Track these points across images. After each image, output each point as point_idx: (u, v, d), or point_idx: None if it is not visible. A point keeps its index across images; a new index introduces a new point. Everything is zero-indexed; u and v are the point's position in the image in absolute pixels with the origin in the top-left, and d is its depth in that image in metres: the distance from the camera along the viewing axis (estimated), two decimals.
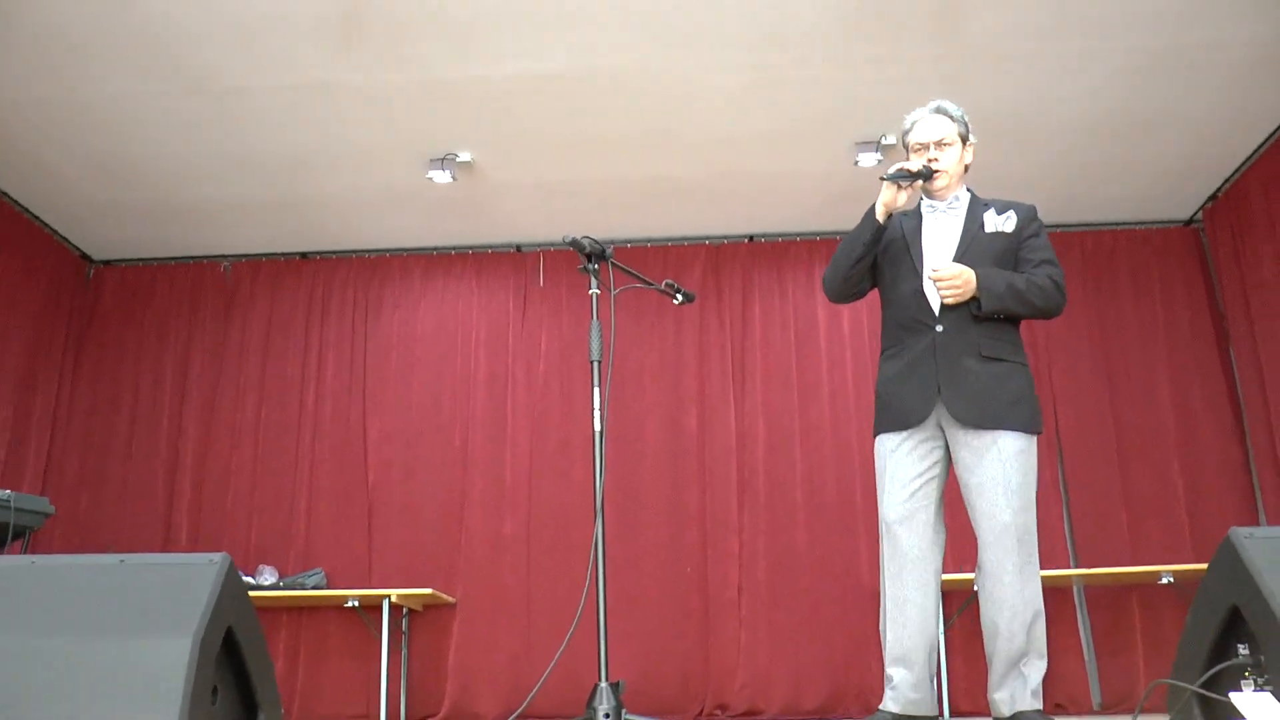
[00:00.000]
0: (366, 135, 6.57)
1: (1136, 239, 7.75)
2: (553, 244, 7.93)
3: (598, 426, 3.23)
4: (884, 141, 6.59)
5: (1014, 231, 3.51)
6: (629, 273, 3.65)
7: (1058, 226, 7.72)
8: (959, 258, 3.44)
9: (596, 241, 3.44)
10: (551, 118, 6.40)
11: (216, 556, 2.38)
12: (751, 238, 7.92)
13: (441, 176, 6.86)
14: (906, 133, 3.66)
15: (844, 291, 3.65)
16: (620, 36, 5.70)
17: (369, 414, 7.70)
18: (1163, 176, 7.17)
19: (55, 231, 7.70)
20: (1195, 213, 7.66)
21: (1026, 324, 7.27)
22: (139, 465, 7.61)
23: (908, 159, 3.64)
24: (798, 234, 7.85)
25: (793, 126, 6.49)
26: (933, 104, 3.66)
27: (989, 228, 3.50)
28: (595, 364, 3.30)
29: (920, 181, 3.49)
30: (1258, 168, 6.85)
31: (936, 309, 3.41)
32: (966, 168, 3.65)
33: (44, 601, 2.30)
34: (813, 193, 7.25)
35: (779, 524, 7.23)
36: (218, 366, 7.86)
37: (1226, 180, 7.20)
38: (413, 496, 7.49)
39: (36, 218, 7.47)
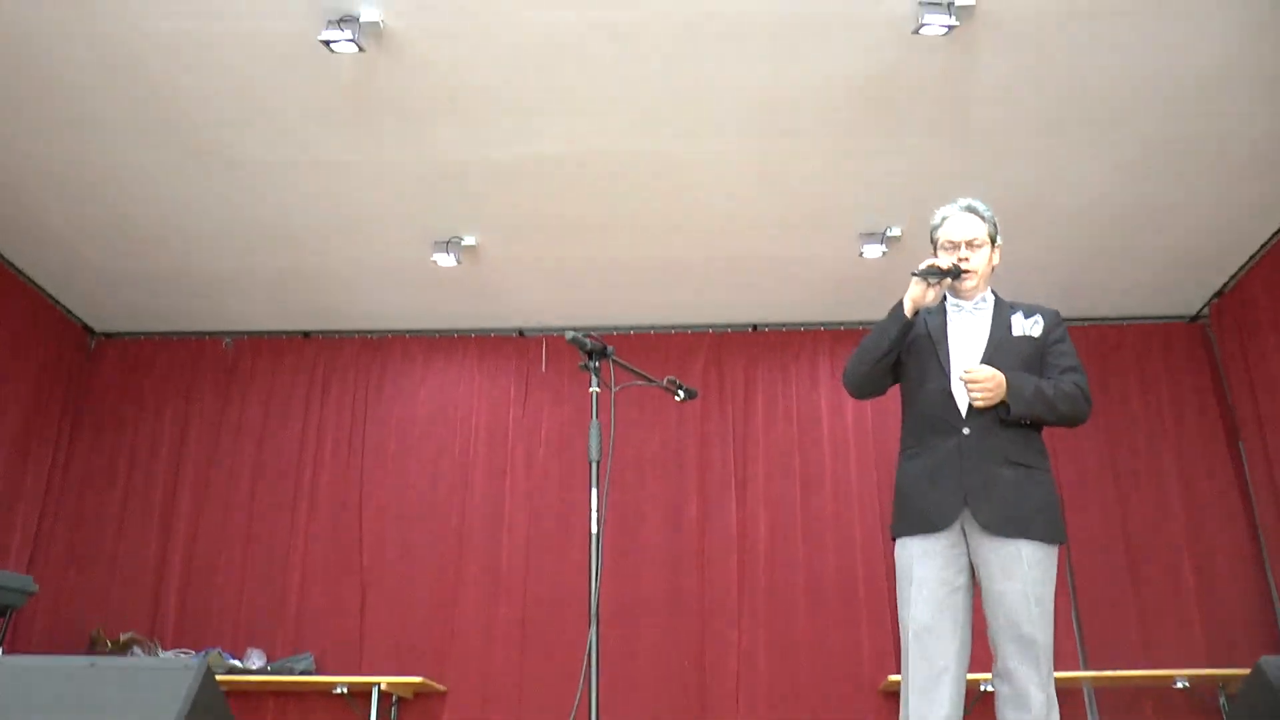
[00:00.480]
0: (373, 215, 6.58)
1: (1142, 334, 7.71)
2: (556, 329, 7.90)
3: (594, 529, 3.15)
4: (889, 233, 6.58)
5: (1041, 336, 3.47)
6: (630, 370, 3.60)
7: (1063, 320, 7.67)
8: (986, 360, 3.38)
9: (598, 340, 3.40)
10: (557, 201, 6.40)
11: (192, 661, 2.29)
12: (755, 327, 7.89)
13: (446, 259, 6.85)
14: (936, 228, 3.62)
15: (867, 387, 3.58)
16: (627, 122, 5.72)
17: (365, 494, 7.61)
18: (1168, 271, 7.15)
19: (59, 302, 7.68)
20: (1202, 308, 7.63)
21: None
22: (129, 541, 7.49)
23: (935, 254, 3.59)
24: (802, 324, 7.82)
25: (798, 216, 6.49)
26: (963, 201, 3.62)
27: (1016, 331, 3.46)
28: (594, 464, 3.23)
29: (949, 280, 3.44)
30: (1264, 264, 6.83)
31: (964, 411, 3.34)
32: (993, 269, 3.61)
33: (9, 705, 2.20)
34: (817, 283, 7.24)
35: (779, 615, 7.10)
36: (214, 442, 7.79)
37: (1233, 276, 7.18)
38: (407, 579, 7.36)
39: (41, 288, 7.46)
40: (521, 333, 7.99)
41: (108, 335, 8.18)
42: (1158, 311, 7.70)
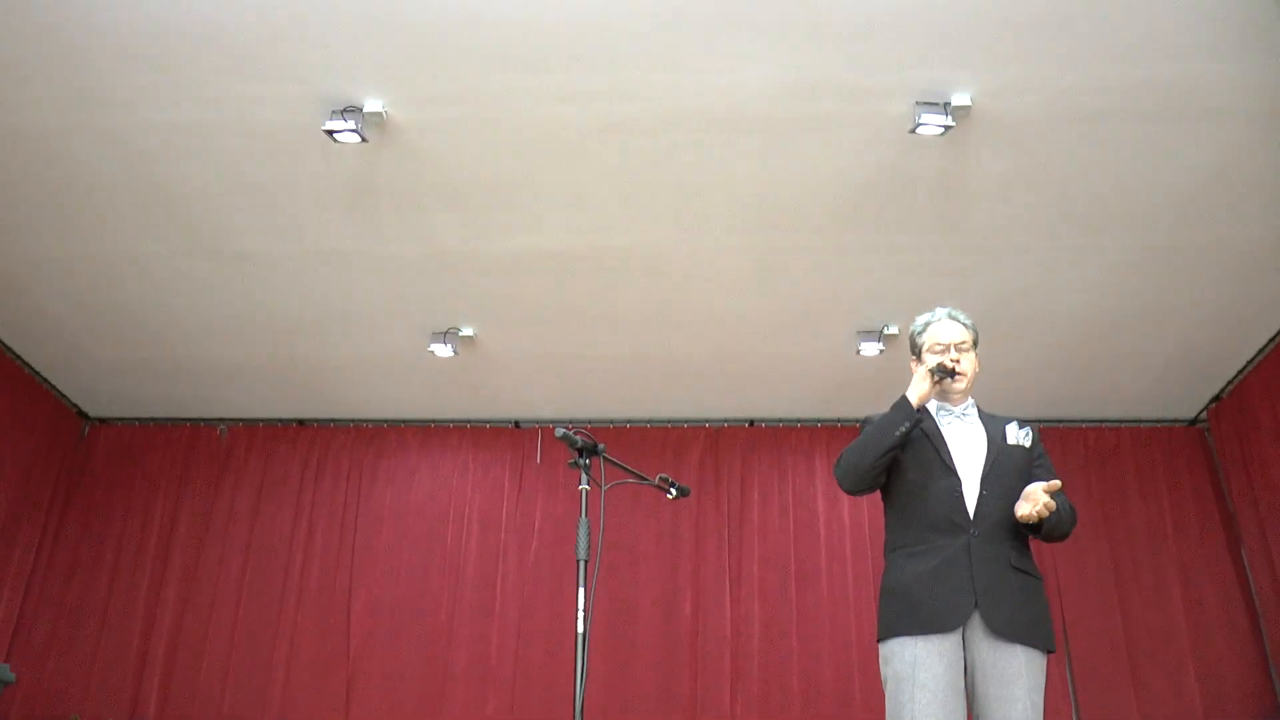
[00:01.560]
0: (372, 304, 6.59)
1: (1140, 437, 7.67)
2: (551, 420, 7.87)
3: (580, 629, 3.08)
4: (886, 331, 6.59)
5: (1031, 447, 3.49)
6: (622, 467, 3.56)
7: (1059, 421, 7.67)
8: (990, 467, 3.39)
9: (588, 437, 3.37)
10: (555, 294, 6.42)
11: None
12: (751, 422, 7.86)
13: (443, 350, 6.84)
14: (919, 333, 3.64)
15: (866, 482, 3.54)
16: (626, 216, 5.76)
17: (355, 583, 7.50)
18: (1165, 374, 7.14)
19: (54, 387, 7.66)
20: (1200, 412, 7.60)
21: None
22: (112, 630, 7.36)
23: (919, 358, 3.60)
24: (798, 420, 7.79)
25: (795, 312, 6.50)
26: (943, 310, 3.66)
27: (1010, 440, 3.48)
28: (582, 563, 3.17)
29: (946, 381, 3.47)
30: (1262, 368, 6.83)
31: (972, 512, 3.32)
32: (975, 376, 3.63)
33: None
34: (814, 379, 7.22)
35: (773, 714, 6.94)
36: (204, 529, 7.70)
37: (1230, 381, 7.17)
38: (394, 671, 7.21)
39: (37, 372, 7.45)
40: (517, 424, 7.96)
41: (101, 421, 8.14)
42: (1156, 415, 7.67)
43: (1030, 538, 3.42)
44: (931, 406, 3.56)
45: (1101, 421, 7.71)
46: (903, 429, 3.41)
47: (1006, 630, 3.17)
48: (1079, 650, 7.04)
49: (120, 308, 6.69)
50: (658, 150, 5.28)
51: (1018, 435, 3.47)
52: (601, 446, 3.42)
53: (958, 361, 3.50)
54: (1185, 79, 4.73)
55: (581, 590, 3.15)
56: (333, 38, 4.68)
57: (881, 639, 3.40)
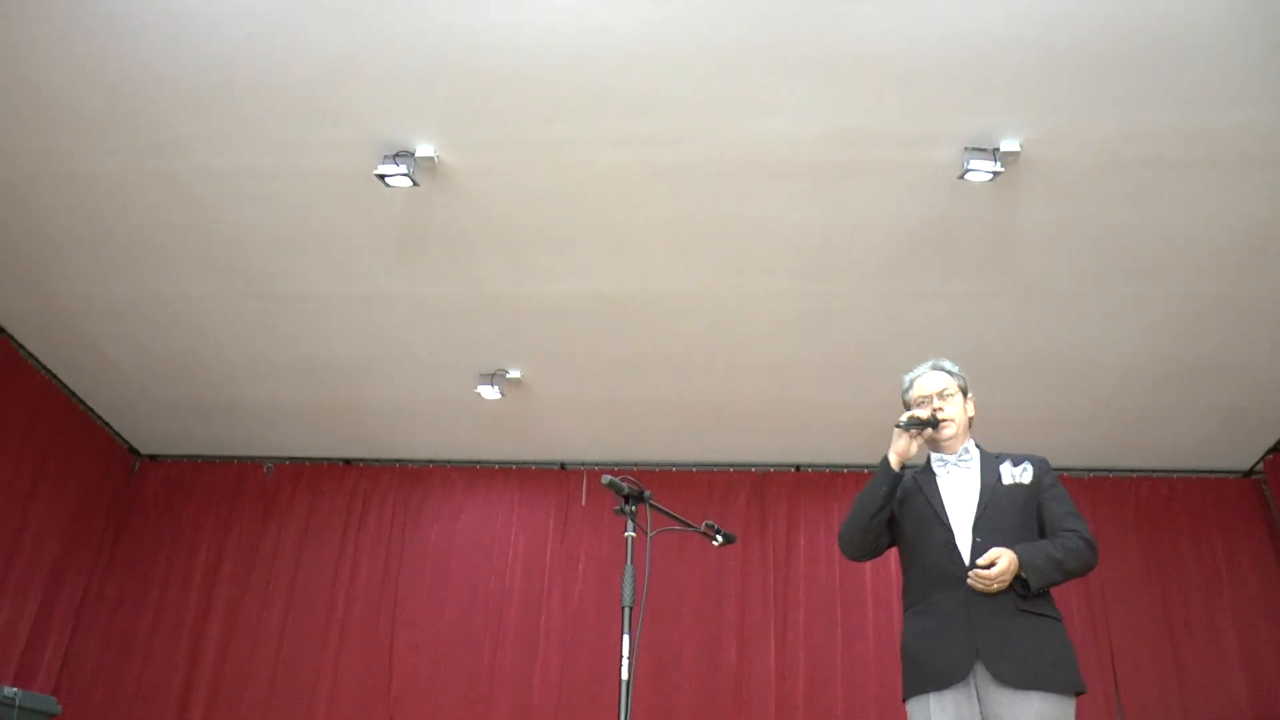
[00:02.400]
0: (420, 346, 6.64)
1: (1194, 488, 7.53)
2: (597, 463, 7.86)
3: (625, 675, 3.06)
4: None
5: (1032, 482, 3.44)
6: (668, 514, 3.55)
7: (1111, 471, 7.55)
8: (981, 511, 3.36)
9: (635, 484, 3.36)
10: (602, 337, 6.44)
11: None
12: (798, 467, 7.80)
13: (490, 392, 6.87)
14: (907, 390, 3.70)
15: (863, 546, 3.56)
16: (674, 261, 5.78)
17: (398, 625, 7.50)
18: (1219, 425, 7.01)
19: (107, 424, 7.78)
20: (1256, 464, 7.45)
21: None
22: (157, 664, 7.41)
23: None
24: (845, 466, 7.73)
25: (843, 358, 6.47)
26: (929, 362, 3.71)
27: (1006, 480, 3.45)
28: (627, 610, 3.16)
29: (929, 431, 3.45)
30: None
31: (968, 561, 3.28)
32: (970, 420, 3.63)
33: None
34: (861, 425, 7.15)
35: None
36: (249, 567, 7.75)
37: None
38: (435, 711, 7.18)
39: (91, 409, 7.57)
40: (563, 466, 7.96)
41: (152, 457, 8.25)
42: (1210, 466, 7.52)
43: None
44: (930, 458, 3.56)
45: (1154, 472, 7.59)
46: (884, 490, 3.42)
47: (1014, 678, 3.12)
48: (1132, 704, 6.87)
49: (173, 347, 6.80)
50: (706, 195, 5.31)
51: (1014, 473, 3.45)
52: (648, 493, 3.42)
53: (940, 409, 3.48)
54: (1238, 126, 4.68)
55: (626, 637, 3.13)
56: (385, 83, 4.76)
57: (904, 699, 3.39)
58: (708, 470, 7.84)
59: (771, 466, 7.81)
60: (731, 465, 7.83)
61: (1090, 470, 7.58)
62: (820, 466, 7.76)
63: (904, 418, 3.42)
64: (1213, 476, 7.57)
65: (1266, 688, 6.82)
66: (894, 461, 3.41)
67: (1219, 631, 7.03)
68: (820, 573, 7.42)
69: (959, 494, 3.45)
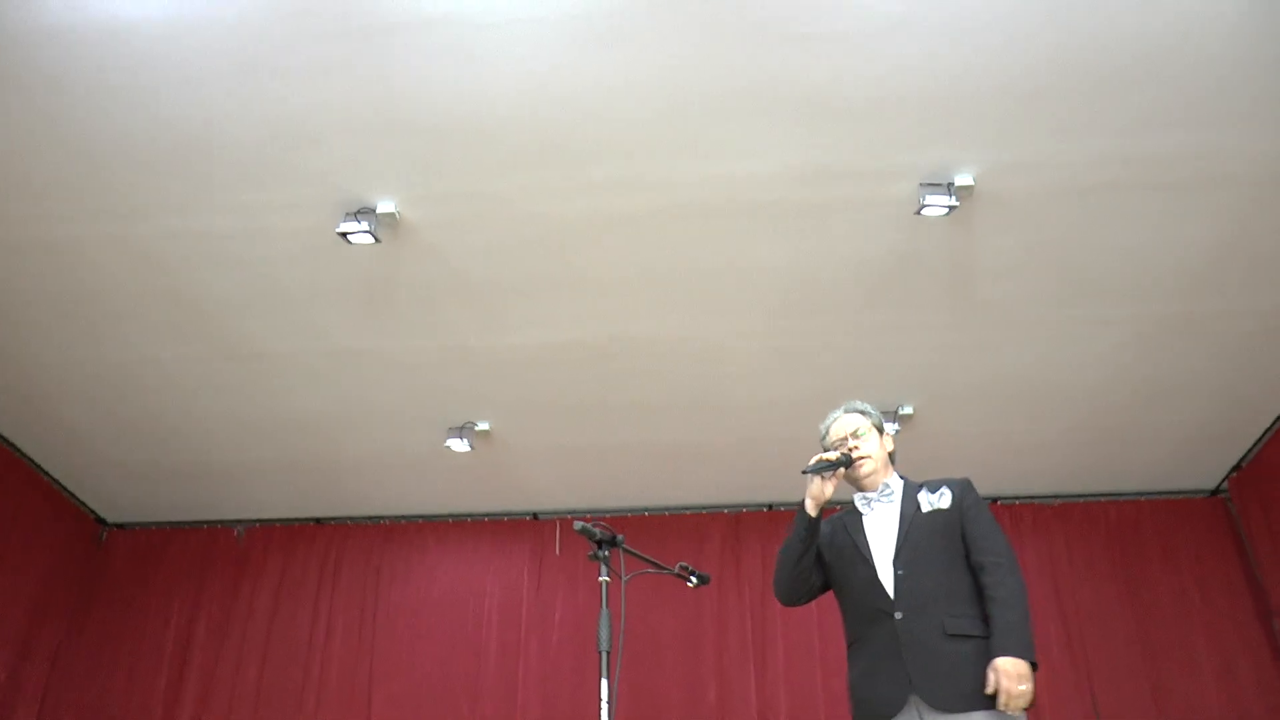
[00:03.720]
0: (387, 401, 6.63)
1: (1162, 509, 7.60)
2: (570, 511, 7.84)
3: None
4: (902, 411, 6.59)
5: (952, 506, 3.48)
6: (641, 558, 3.57)
7: (1079, 496, 7.62)
8: (902, 542, 3.42)
9: (607, 529, 3.38)
10: (570, 385, 6.45)
11: None
12: (771, 506, 7.82)
13: (459, 444, 6.86)
14: (823, 438, 3.75)
15: (793, 592, 3.64)
16: (639, 305, 5.82)
17: (375, 681, 7.41)
18: (1184, 445, 7.10)
19: (72, 494, 7.69)
20: (1221, 483, 7.54)
21: (1057, 596, 7.10)
22: None
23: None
24: None
25: (812, 395, 6.46)
26: (842, 406, 3.77)
27: (925, 507, 3.50)
28: (604, 654, 3.16)
29: (843, 470, 3.50)
30: None
31: (893, 593, 3.32)
32: (891, 455, 3.69)
33: None
34: None
35: None
36: (223, 632, 7.65)
37: (1250, 450, 7.13)
38: None
39: (55, 479, 7.49)
40: (536, 516, 7.93)
41: (119, 525, 8.16)
42: (1177, 486, 7.60)
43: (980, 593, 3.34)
44: (855, 498, 3.59)
45: (1123, 495, 7.66)
46: (803, 534, 3.50)
47: (951, 703, 3.15)
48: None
49: (138, 412, 6.75)
50: (668, 239, 5.35)
51: (931, 500, 3.50)
52: (620, 538, 3.43)
53: (855, 448, 3.53)
54: (1190, 149, 4.79)
55: (604, 681, 3.13)
56: (342, 142, 4.79)
57: None
58: (680, 513, 7.83)
59: (744, 506, 7.82)
60: (704, 507, 7.83)
61: (1058, 496, 7.65)
62: (793, 504, 7.73)
63: (812, 461, 3.47)
64: (1180, 497, 7.64)
65: (1242, 703, 6.86)
66: (810, 507, 3.48)
67: (1194, 651, 7.07)
68: (797, 610, 7.37)
69: (880, 528, 3.50)
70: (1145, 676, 7.02)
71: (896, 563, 3.37)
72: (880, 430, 3.68)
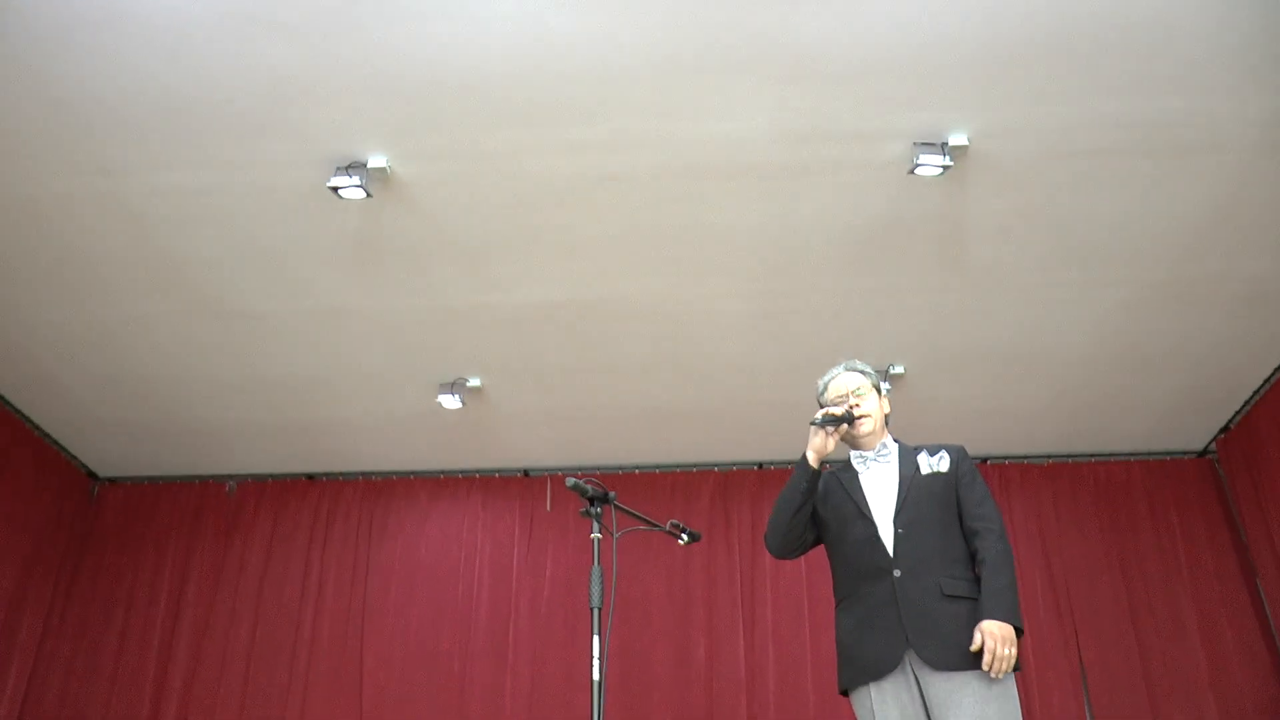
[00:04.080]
0: (377, 359, 6.62)
1: (1151, 470, 7.66)
2: (561, 468, 7.87)
3: (596, 676, 3.08)
4: (892, 371, 6.61)
5: (950, 470, 3.53)
6: (633, 515, 3.58)
7: (1069, 456, 7.67)
8: (901, 503, 3.46)
9: (599, 485, 3.39)
10: (561, 344, 6.45)
11: None
12: (761, 465, 7.85)
13: (451, 402, 6.86)
14: (821, 393, 3.77)
15: (787, 544, 3.64)
16: (629, 265, 5.80)
17: (366, 639, 7.46)
18: (1173, 408, 7.14)
19: (64, 448, 7.69)
20: (1208, 444, 7.59)
21: (1045, 555, 7.16)
22: (123, 690, 7.32)
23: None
24: None
25: (800, 356, 6.51)
26: (841, 364, 3.79)
27: (924, 470, 3.54)
28: (595, 611, 3.18)
29: (845, 427, 3.53)
30: (1269, 399, 6.83)
31: (892, 553, 3.35)
32: (887, 417, 3.73)
33: None
34: None
35: None
36: (214, 587, 7.68)
37: (1238, 412, 7.18)
38: None
39: (48, 434, 7.48)
40: (526, 473, 7.96)
41: (111, 480, 8.16)
42: (1164, 447, 7.66)
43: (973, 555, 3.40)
44: (850, 455, 3.61)
45: (1111, 456, 7.71)
46: (804, 486, 3.50)
47: (947, 661, 3.19)
48: (1097, 685, 6.97)
49: (127, 370, 6.73)
50: (658, 198, 5.33)
51: (931, 463, 3.54)
52: (612, 495, 3.45)
53: (856, 405, 3.56)
54: (1184, 113, 4.77)
55: (596, 638, 3.15)
56: (332, 97, 4.74)
57: (841, 692, 3.45)
58: (671, 471, 7.87)
59: (734, 465, 7.86)
60: (695, 465, 7.86)
61: (1048, 456, 7.69)
62: (783, 463, 7.81)
63: (819, 415, 3.49)
64: (1168, 458, 7.70)
65: (1225, 664, 6.95)
66: (812, 459, 3.48)
67: (1180, 609, 7.16)
68: (786, 569, 7.46)
69: (879, 487, 3.53)
70: (1131, 635, 7.10)
71: (897, 521, 3.40)
72: (879, 391, 3.71)
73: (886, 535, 3.41)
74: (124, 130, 4.90)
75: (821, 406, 3.69)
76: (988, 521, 3.40)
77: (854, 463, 3.64)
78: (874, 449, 3.61)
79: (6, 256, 5.74)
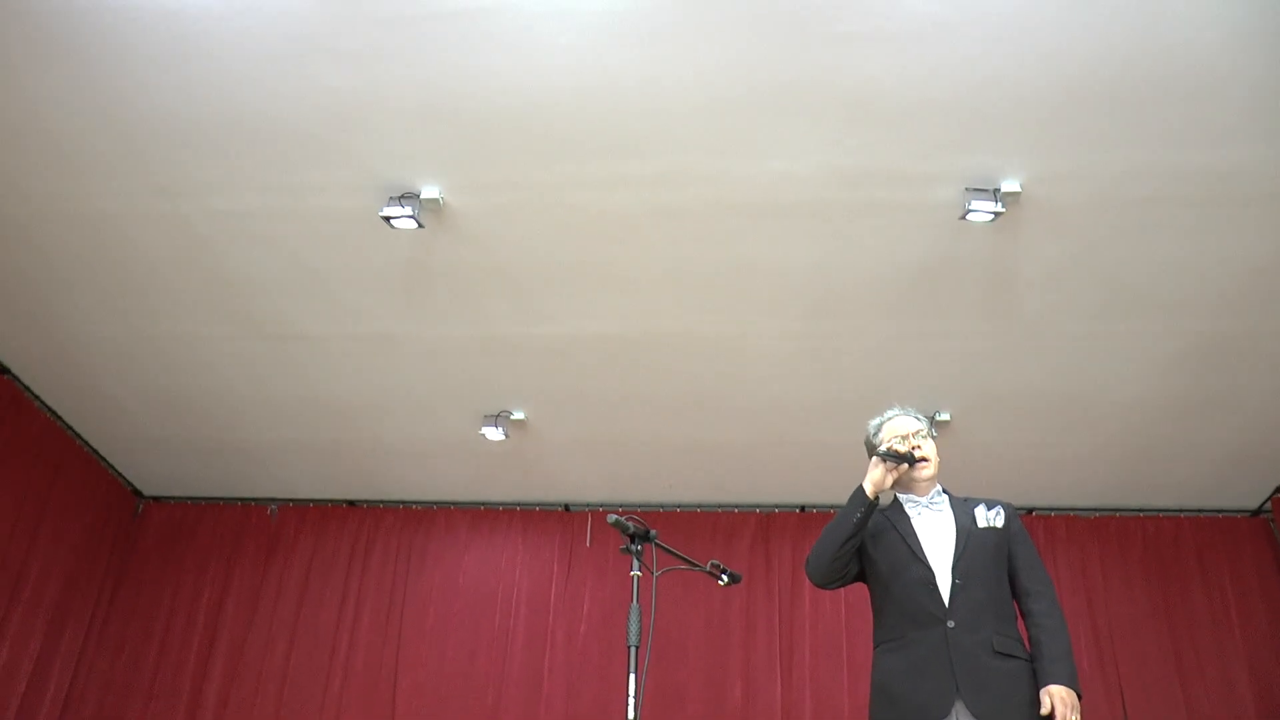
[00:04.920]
0: (424, 387, 6.65)
1: (1202, 527, 7.49)
2: (601, 504, 7.84)
3: (631, 715, 3.04)
4: (939, 418, 6.53)
5: (1004, 527, 3.49)
6: (673, 554, 3.55)
7: (1117, 511, 7.53)
8: (960, 555, 3.39)
9: (640, 523, 3.36)
10: (606, 378, 6.44)
11: None
12: (803, 508, 7.78)
13: (494, 433, 6.87)
14: (875, 433, 3.69)
15: (831, 574, 3.56)
16: (677, 301, 5.80)
17: (401, 666, 7.45)
18: (1226, 463, 6.99)
19: (110, 465, 7.78)
20: (1264, 502, 7.42)
21: (1090, 611, 7.02)
22: (159, 707, 7.35)
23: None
24: None
25: (848, 398, 6.46)
26: (896, 408, 3.73)
27: (981, 523, 3.48)
28: (633, 649, 3.15)
29: (905, 467, 3.45)
30: None
31: (947, 602, 3.29)
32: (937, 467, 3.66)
33: None
34: (866, 465, 7.11)
35: None
36: (252, 608, 7.71)
37: None
38: None
39: (96, 451, 7.57)
40: (567, 507, 7.94)
41: (155, 499, 8.24)
42: (1218, 505, 7.49)
43: (1018, 620, 3.37)
44: (901, 499, 3.56)
45: (1161, 511, 7.56)
46: (857, 517, 3.42)
47: (993, 715, 3.13)
48: None
49: (178, 388, 6.81)
50: (708, 235, 5.33)
51: (988, 517, 3.48)
52: (653, 533, 3.42)
53: (918, 447, 3.50)
54: (1237, 164, 4.72)
55: (632, 676, 3.12)
56: (390, 126, 4.80)
57: None
58: (712, 511, 7.81)
59: (776, 507, 7.79)
60: (736, 506, 7.80)
61: (1096, 510, 7.56)
62: (825, 507, 7.73)
63: (883, 448, 3.43)
64: (1221, 515, 7.53)
65: None
66: (870, 491, 3.41)
67: (1230, 670, 6.96)
68: (825, 612, 7.37)
69: (935, 535, 3.47)
70: (1179, 696, 6.93)
71: (955, 571, 3.34)
72: (933, 440, 3.65)
73: (943, 584, 3.35)
74: (183, 152, 4.99)
75: (872, 447, 3.64)
76: (1044, 584, 3.39)
77: (906, 507, 3.58)
78: (926, 495, 3.56)
79: (64, 272, 5.84)
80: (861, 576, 3.63)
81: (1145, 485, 7.31)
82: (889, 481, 3.42)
